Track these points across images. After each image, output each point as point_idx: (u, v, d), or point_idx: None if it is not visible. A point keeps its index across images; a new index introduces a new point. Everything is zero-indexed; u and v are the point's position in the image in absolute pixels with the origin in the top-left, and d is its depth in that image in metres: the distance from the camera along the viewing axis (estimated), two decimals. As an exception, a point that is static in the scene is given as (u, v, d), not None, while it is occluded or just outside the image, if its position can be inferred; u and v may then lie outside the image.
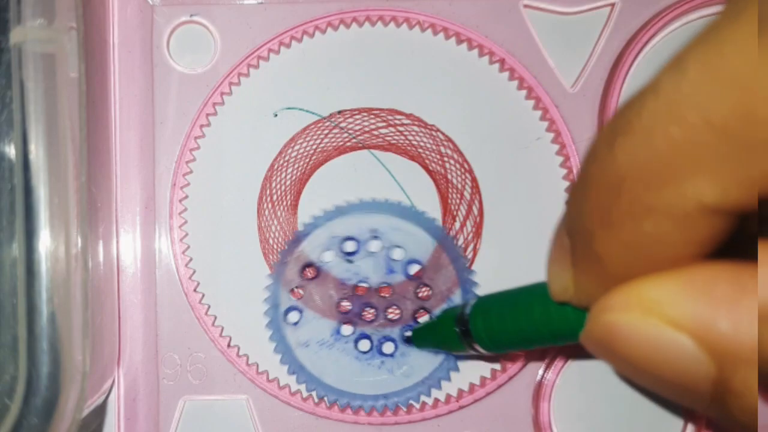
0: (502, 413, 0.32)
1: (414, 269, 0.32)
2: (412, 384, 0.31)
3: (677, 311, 0.14)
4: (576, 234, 0.17)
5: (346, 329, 0.32)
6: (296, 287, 0.31)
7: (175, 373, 0.32)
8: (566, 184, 0.32)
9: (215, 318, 0.32)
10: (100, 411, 0.31)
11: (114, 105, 0.31)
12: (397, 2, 0.32)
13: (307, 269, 0.31)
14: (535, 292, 0.22)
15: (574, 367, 0.32)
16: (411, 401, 0.31)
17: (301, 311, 0.31)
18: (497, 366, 0.32)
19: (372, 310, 0.31)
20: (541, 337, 0.22)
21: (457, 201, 0.32)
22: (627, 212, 0.15)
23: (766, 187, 0.13)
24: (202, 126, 0.32)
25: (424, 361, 0.31)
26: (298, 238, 0.31)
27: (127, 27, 0.32)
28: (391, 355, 0.31)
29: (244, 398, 0.32)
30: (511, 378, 0.32)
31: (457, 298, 0.31)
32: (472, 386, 0.32)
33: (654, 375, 0.16)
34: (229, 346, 0.32)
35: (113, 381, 0.31)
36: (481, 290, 0.32)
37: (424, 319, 0.31)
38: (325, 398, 0.31)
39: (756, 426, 0.14)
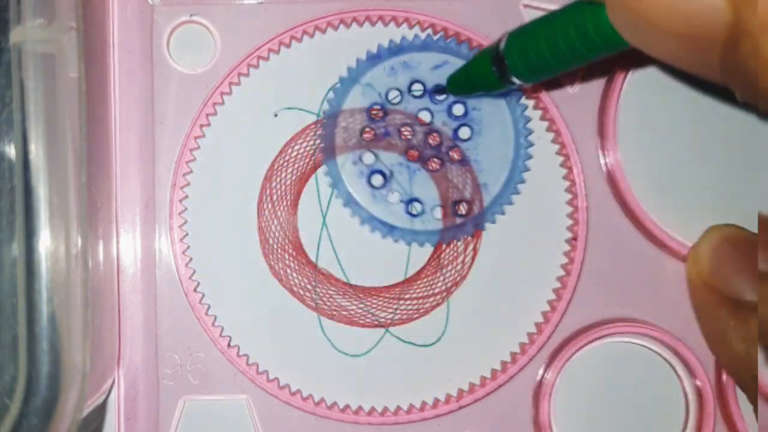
0: (502, 413, 0.32)
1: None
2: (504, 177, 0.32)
3: None
4: None
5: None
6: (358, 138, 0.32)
7: (175, 373, 0.32)
8: (566, 184, 0.32)
9: (215, 318, 0.32)
10: (100, 411, 0.31)
11: (114, 105, 0.31)
12: (397, 2, 0.32)
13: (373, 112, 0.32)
14: (565, 9, 0.23)
15: (574, 367, 0.32)
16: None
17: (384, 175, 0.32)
18: (497, 366, 0.32)
19: (418, 135, 0.32)
20: (574, 47, 0.23)
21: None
22: None
23: None
24: (202, 126, 0.32)
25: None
26: (328, 129, 0.31)
27: (127, 27, 0.32)
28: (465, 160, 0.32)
29: (244, 398, 0.32)
30: (511, 378, 0.32)
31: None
32: (472, 386, 0.32)
33: (673, 30, 0.16)
34: (229, 346, 0.32)
35: (113, 381, 0.31)
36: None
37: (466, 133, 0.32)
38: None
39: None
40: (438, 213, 0.32)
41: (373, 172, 0.31)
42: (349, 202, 0.31)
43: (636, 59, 0.32)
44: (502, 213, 0.32)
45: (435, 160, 0.31)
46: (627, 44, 0.21)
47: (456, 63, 0.31)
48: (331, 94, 0.32)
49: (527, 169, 0.32)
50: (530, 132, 0.32)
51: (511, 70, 0.26)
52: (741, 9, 0.15)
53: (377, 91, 0.31)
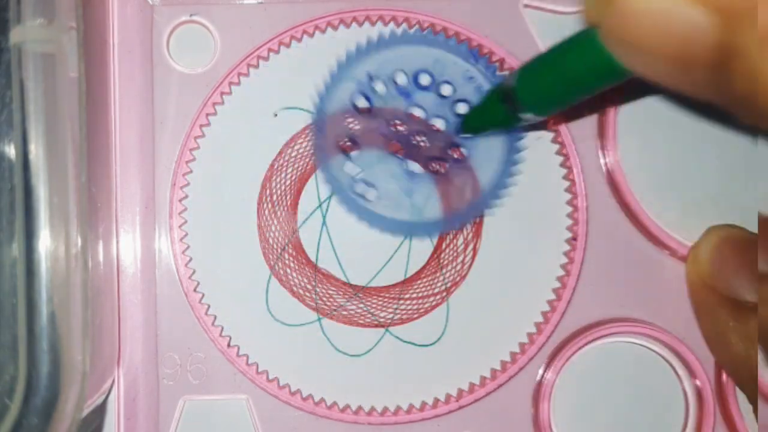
0: (502, 413, 0.32)
1: (424, 79, 0.31)
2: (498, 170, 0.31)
3: None
4: None
5: (415, 167, 0.31)
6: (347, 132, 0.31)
7: (175, 373, 0.32)
8: (566, 184, 0.32)
9: (215, 318, 0.32)
10: (100, 411, 0.31)
11: (114, 105, 0.31)
12: (397, 2, 0.32)
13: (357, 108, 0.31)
14: (570, 38, 0.23)
15: (574, 367, 0.32)
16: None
17: (372, 185, 0.31)
18: (497, 366, 0.32)
19: (420, 136, 0.31)
20: (580, 76, 0.23)
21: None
22: None
23: None
24: (202, 126, 0.32)
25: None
26: (317, 136, 0.31)
27: (127, 27, 0.32)
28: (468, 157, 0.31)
29: (244, 398, 0.32)
30: (511, 378, 0.32)
31: (475, 75, 0.31)
32: (472, 386, 0.32)
33: (663, 52, 0.16)
34: (229, 345, 0.32)
35: (113, 381, 0.31)
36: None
37: (463, 108, 0.31)
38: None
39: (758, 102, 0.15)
40: (437, 205, 0.31)
41: (361, 182, 0.31)
42: (351, 205, 0.31)
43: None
44: (500, 199, 0.31)
45: (435, 161, 0.31)
46: (629, 72, 0.21)
47: (446, 59, 0.31)
48: (320, 91, 0.31)
49: (520, 150, 0.31)
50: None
51: (524, 105, 0.26)
52: (730, 27, 0.15)
53: (365, 86, 0.31)
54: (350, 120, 0.31)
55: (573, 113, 0.32)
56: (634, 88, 0.32)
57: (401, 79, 0.31)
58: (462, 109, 0.31)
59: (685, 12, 0.15)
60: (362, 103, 0.31)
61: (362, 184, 0.31)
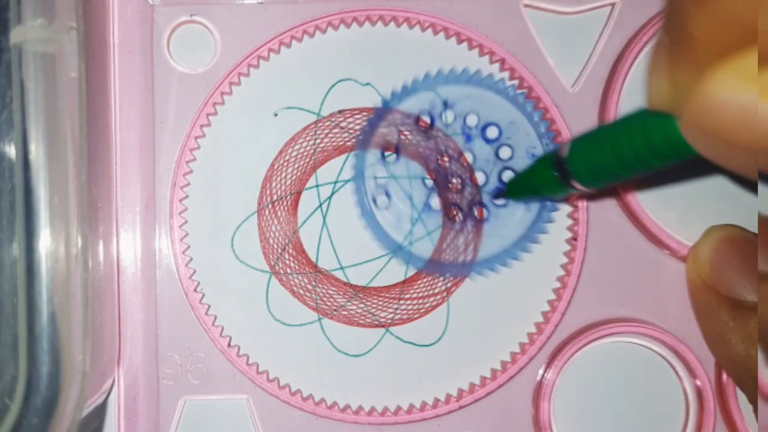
0: (502, 413, 0.32)
1: (492, 132, 0.32)
2: (510, 243, 0.32)
3: None
4: (673, 21, 0.17)
5: (435, 202, 0.32)
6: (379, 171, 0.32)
7: (175, 373, 0.32)
8: (566, 184, 0.32)
9: (215, 318, 0.32)
10: (100, 411, 0.31)
11: (114, 105, 0.31)
12: (397, 2, 0.32)
13: (387, 151, 0.32)
14: (632, 117, 0.23)
15: (574, 367, 0.32)
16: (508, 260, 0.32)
17: (388, 194, 0.32)
18: (497, 366, 0.32)
19: (457, 180, 0.31)
20: (640, 156, 0.22)
21: (458, 201, 0.32)
22: None
23: None
24: (202, 126, 0.32)
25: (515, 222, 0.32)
26: (373, 122, 0.31)
27: (127, 27, 0.32)
28: (486, 220, 0.32)
29: (244, 398, 0.32)
30: (511, 378, 0.32)
31: (538, 152, 0.32)
32: (472, 386, 0.32)
33: (746, 144, 0.16)
34: (229, 345, 0.32)
35: (113, 381, 0.31)
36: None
37: (508, 176, 0.32)
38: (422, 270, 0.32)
39: None
40: (430, 246, 0.32)
41: (381, 186, 0.31)
42: (361, 198, 0.31)
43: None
44: (491, 272, 0.32)
45: (455, 209, 0.31)
46: (697, 154, 0.20)
47: (522, 125, 0.32)
48: (398, 89, 0.31)
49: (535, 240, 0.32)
50: (555, 210, 0.32)
51: (574, 176, 0.26)
52: None
53: (438, 107, 0.31)
54: (407, 127, 0.31)
55: (573, 114, 0.32)
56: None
57: (471, 121, 0.31)
58: (507, 176, 0.32)
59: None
60: (426, 119, 0.31)
61: (381, 189, 0.31)
